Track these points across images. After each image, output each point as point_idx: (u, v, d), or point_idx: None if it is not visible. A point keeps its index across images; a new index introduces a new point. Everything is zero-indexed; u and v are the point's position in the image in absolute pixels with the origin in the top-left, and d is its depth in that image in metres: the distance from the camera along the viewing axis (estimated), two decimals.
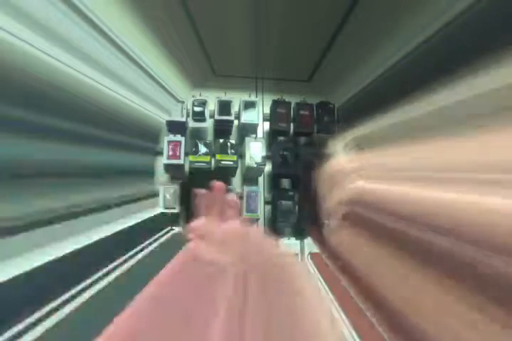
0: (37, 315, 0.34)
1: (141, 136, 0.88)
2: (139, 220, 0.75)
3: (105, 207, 0.62)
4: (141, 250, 0.66)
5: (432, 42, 0.57)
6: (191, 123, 0.91)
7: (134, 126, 0.81)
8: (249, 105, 0.93)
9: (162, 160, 0.88)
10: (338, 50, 0.84)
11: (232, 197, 0.51)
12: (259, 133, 1.02)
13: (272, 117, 0.98)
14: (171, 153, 0.88)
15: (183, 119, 0.92)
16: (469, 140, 0.21)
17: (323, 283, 0.64)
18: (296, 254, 0.89)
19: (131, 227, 0.68)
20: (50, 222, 0.44)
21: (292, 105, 0.99)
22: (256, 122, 0.93)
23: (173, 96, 0.96)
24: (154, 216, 0.84)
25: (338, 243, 0.31)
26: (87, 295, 0.43)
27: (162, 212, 0.87)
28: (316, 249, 0.85)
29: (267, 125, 1.02)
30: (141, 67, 0.75)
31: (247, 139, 0.92)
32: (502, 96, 0.22)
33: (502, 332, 0.15)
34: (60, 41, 0.47)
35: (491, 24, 0.44)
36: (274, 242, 0.38)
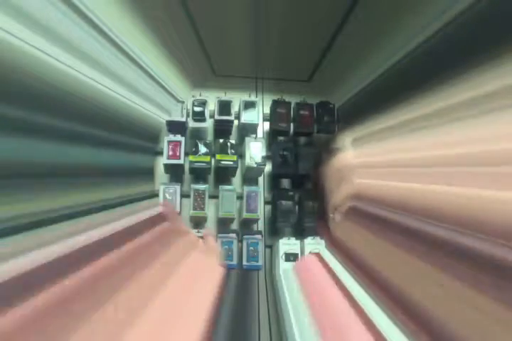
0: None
1: (141, 136, 0.88)
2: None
3: (105, 207, 0.62)
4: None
5: (432, 42, 0.57)
6: (191, 123, 0.91)
7: (134, 126, 0.81)
8: (249, 105, 0.93)
9: (162, 160, 0.88)
10: (338, 50, 0.84)
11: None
12: (259, 133, 1.02)
13: (272, 117, 0.98)
14: (171, 153, 0.88)
15: (183, 119, 0.92)
16: (466, 136, 0.21)
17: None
18: (296, 254, 0.89)
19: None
20: (48, 222, 0.44)
21: (292, 105, 0.99)
22: (256, 122, 0.93)
23: (173, 96, 0.96)
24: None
25: (342, 235, 0.32)
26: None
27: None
28: (316, 249, 0.85)
29: (267, 125, 1.02)
30: (141, 67, 0.75)
31: (247, 139, 0.92)
32: (500, 95, 0.22)
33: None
34: (60, 41, 0.47)
35: (491, 24, 0.44)
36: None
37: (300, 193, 0.94)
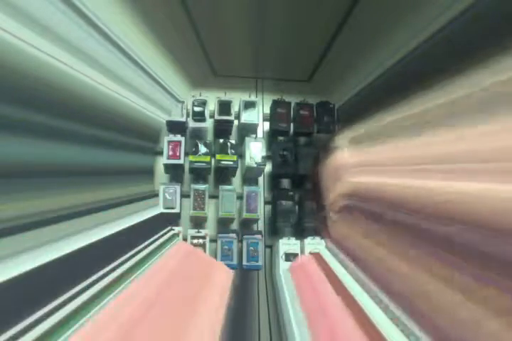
0: (34, 316, 0.34)
1: (141, 136, 0.88)
2: (139, 220, 0.75)
3: (105, 207, 0.62)
4: (141, 250, 0.66)
5: (432, 42, 0.57)
6: (191, 123, 0.91)
7: (134, 126, 0.81)
8: (249, 105, 0.93)
9: (162, 160, 0.88)
10: (338, 50, 0.84)
11: None
12: (259, 133, 1.02)
13: (272, 117, 0.98)
14: (171, 153, 0.88)
15: (183, 119, 0.92)
16: (462, 135, 0.22)
17: (323, 282, 0.64)
18: (296, 254, 0.89)
19: (131, 227, 0.68)
20: (49, 221, 0.44)
21: (292, 105, 0.99)
22: (256, 122, 0.93)
23: (173, 96, 0.96)
24: (154, 216, 0.84)
25: (337, 233, 0.32)
26: (86, 296, 0.43)
27: (162, 212, 0.87)
28: (316, 249, 0.86)
29: (267, 125, 1.02)
30: (141, 67, 0.75)
31: (247, 139, 0.92)
32: (499, 94, 0.22)
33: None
34: (59, 41, 0.47)
35: (490, 24, 0.44)
36: None
37: (300, 193, 0.94)
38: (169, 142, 0.88)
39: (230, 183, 0.97)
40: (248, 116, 0.93)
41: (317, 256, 0.80)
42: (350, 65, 0.88)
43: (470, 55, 0.37)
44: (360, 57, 0.82)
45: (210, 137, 0.98)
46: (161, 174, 0.96)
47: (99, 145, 0.61)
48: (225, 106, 0.92)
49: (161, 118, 0.93)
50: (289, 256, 0.88)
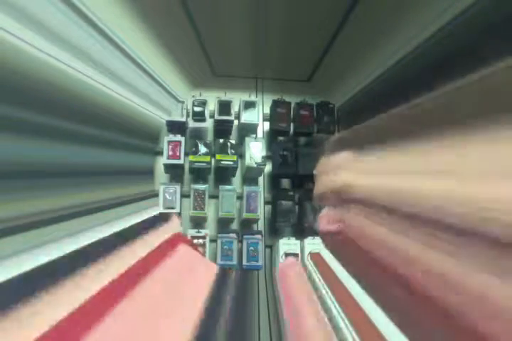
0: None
1: (141, 136, 0.88)
2: (139, 220, 0.75)
3: (104, 207, 0.62)
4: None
5: (432, 42, 0.57)
6: (191, 123, 0.91)
7: (134, 126, 0.81)
8: (249, 105, 0.93)
9: (162, 160, 0.88)
10: (338, 50, 0.84)
11: None
12: (259, 133, 1.02)
13: (272, 117, 0.98)
14: (171, 153, 0.88)
15: (183, 119, 0.92)
16: (465, 137, 0.22)
17: (324, 282, 0.64)
18: (296, 254, 0.89)
19: (131, 227, 0.68)
20: (49, 221, 0.44)
21: (292, 105, 0.99)
22: (256, 122, 0.93)
23: (173, 96, 0.96)
24: (154, 216, 0.84)
25: (330, 230, 0.32)
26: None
27: (162, 212, 0.87)
28: (316, 249, 0.86)
29: (267, 125, 1.02)
30: (141, 67, 0.75)
31: (247, 139, 0.92)
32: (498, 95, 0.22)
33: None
34: (59, 41, 0.47)
35: (490, 24, 0.44)
36: None
37: (300, 193, 0.94)
38: (169, 142, 0.88)
39: (230, 183, 0.97)
40: (248, 116, 0.93)
41: (317, 256, 0.80)
42: (350, 65, 0.88)
43: (470, 55, 0.37)
44: (360, 57, 0.82)
45: (210, 137, 0.98)
46: (161, 174, 0.96)
47: (99, 145, 0.61)
48: (225, 106, 0.92)
49: (161, 118, 0.93)
50: (289, 256, 0.88)
